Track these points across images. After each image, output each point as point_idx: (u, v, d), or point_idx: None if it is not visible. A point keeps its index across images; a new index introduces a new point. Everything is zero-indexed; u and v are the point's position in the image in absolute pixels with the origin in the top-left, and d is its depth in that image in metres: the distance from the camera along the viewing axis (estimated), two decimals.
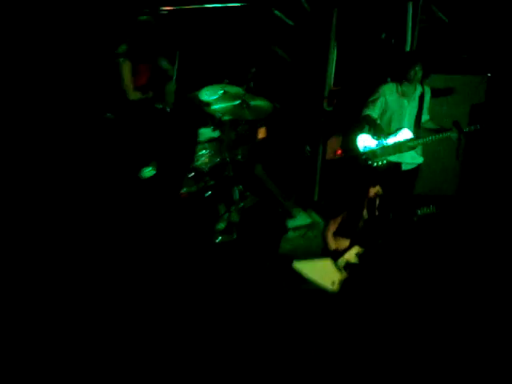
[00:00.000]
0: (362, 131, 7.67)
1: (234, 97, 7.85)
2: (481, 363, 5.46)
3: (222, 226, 7.78)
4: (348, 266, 6.90)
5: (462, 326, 5.94)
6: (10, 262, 6.44)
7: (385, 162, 7.61)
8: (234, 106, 7.77)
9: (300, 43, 8.56)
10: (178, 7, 8.60)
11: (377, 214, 7.07)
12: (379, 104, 7.63)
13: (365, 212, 7.08)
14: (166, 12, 8.43)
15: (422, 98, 7.69)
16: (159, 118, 7.94)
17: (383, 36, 8.21)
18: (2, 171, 7.72)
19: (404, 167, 7.77)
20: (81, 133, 8.20)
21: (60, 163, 7.99)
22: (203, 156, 8.26)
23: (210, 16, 8.96)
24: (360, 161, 7.61)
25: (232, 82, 8.22)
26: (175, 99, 8.08)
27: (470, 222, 7.90)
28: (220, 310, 5.62)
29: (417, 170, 7.92)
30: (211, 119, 8.35)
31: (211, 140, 8.29)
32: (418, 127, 7.71)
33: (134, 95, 7.80)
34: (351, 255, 6.96)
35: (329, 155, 8.39)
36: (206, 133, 8.35)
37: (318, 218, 8.45)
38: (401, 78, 7.58)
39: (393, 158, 7.68)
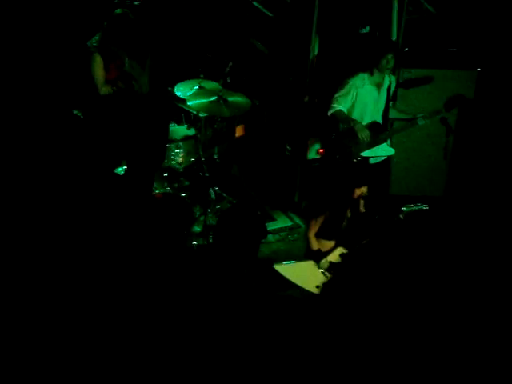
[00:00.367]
0: (334, 128, 7.49)
1: (210, 92, 7.61)
2: (469, 367, 5.26)
3: (197, 229, 7.61)
4: (331, 267, 6.70)
5: (449, 326, 5.73)
6: None
7: (359, 158, 7.43)
8: (210, 102, 7.52)
9: (280, 36, 8.29)
10: None
11: (361, 214, 6.88)
12: (350, 97, 7.38)
13: (348, 212, 6.89)
14: (138, 3, 8.23)
15: (389, 88, 7.54)
16: (130, 115, 7.68)
17: (368, 28, 7.97)
18: None
19: (372, 161, 7.55)
20: (47, 130, 7.95)
21: (25, 162, 7.72)
22: (177, 155, 8.05)
23: (184, 7, 8.81)
24: (337, 159, 7.43)
25: (208, 77, 8.02)
26: (148, 95, 7.84)
27: (457, 223, 7.79)
28: (193, 318, 5.42)
29: (388, 162, 7.81)
30: (186, 116, 8.22)
31: (186, 138, 8.10)
32: (386, 119, 7.60)
33: (105, 90, 7.54)
34: (335, 256, 6.81)
35: (310, 154, 8.17)
36: (181, 131, 8.20)
37: (298, 221, 8.36)
38: (371, 67, 7.33)
39: (366, 153, 7.48)
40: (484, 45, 8.41)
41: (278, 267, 6.82)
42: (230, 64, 7.98)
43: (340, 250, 6.83)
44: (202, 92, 7.66)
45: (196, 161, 7.99)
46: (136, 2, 8.24)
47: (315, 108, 8.17)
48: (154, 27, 8.65)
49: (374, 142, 7.44)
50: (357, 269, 6.51)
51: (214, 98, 7.49)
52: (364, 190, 6.98)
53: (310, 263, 6.87)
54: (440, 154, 8.22)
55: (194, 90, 7.69)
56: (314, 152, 7.84)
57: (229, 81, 7.99)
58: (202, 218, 7.70)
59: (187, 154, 8.05)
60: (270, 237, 7.93)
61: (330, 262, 6.77)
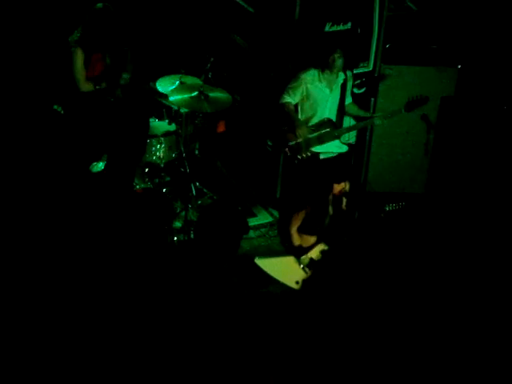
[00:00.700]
0: (282, 121, 7.47)
1: (192, 88, 7.55)
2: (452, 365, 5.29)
3: (178, 224, 7.58)
4: (312, 263, 6.73)
5: (430, 321, 5.76)
6: None
7: (309, 154, 7.37)
8: (192, 97, 7.46)
9: (261, 31, 8.25)
10: None
11: (343, 211, 6.86)
12: (300, 91, 7.34)
13: (330, 209, 6.87)
14: None
15: (344, 85, 7.41)
16: (111, 111, 7.64)
17: (349, 25, 7.94)
18: None
19: (322, 156, 7.46)
20: (26, 125, 7.89)
21: (4, 157, 7.66)
22: (158, 151, 8.02)
23: (166, 2, 8.76)
24: (288, 154, 7.43)
25: (189, 72, 7.97)
26: (129, 90, 7.79)
27: (438, 220, 7.80)
28: (173, 314, 5.39)
29: (344, 158, 7.60)
30: (167, 112, 8.20)
31: (167, 134, 8.05)
32: (341, 116, 7.46)
33: (86, 87, 7.50)
34: (316, 252, 6.83)
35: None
36: (162, 126, 8.14)
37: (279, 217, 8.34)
38: (321, 65, 7.28)
39: (318, 149, 7.42)
40: (465, 42, 8.43)
41: (259, 261, 6.83)
42: (212, 59, 7.93)
43: (321, 247, 6.84)
44: (183, 87, 7.60)
45: (177, 156, 7.96)
46: None
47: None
48: (135, 21, 8.61)
49: (325, 138, 7.39)
50: (338, 266, 6.53)
51: (195, 94, 7.43)
52: (344, 186, 6.95)
53: (291, 258, 6.87)
54: (421, 151, 8.25)
55: (175, 86, 7.63)
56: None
57: (210, 76, 7.94)
58: (182, 213, 7.67)
59: (168, 150, 8.01)
60: (251, 232, 7.90)
61: (311, 259, 6.78)
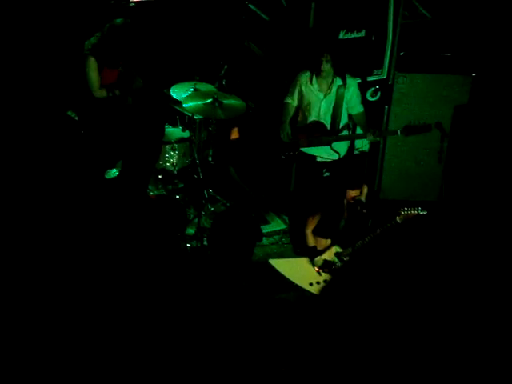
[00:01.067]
0: (282, 117, 7.53)
1: (206, 95, 7.59)
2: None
3: (191, 231, 7.58)
4: (325, 265, 6.70)
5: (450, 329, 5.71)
6: None
7: (296, 152, 7.47)
8: (206, 104, 7.48)
9: (275, 39, 8.24)
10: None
11: (357, 216, 6.86)
12: (297, 92, 7.45)
13: (346, 213, 6.86)
14: (133, 4, 8.19)
15: (339, 91, 7.37)
16: (125, 118, 7.65)
17: (364, 32, 7.93)
18: None
19: (319, 159, 7.56)
20: (41, 131, 7.90)
21: (19, 162, 7.67)
22: (172, 157, 8.03)
23: (181, 9, 8.77)
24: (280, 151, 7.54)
25: (203, 79, 8.05)
26: (143, 97, 7.80)
27: (452, 227, 7.76)
28: (187, 321, 5.39)
29: (352, 164, 7.71)
30: (181, 118, 8.19)
31: (181, 140, 8.09)
32: (334, 122, 7.43)
33: (100, 93, 7.50)
34: (329, 255, 6.81)
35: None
36: (176, 133, 8.19)
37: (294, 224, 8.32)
38: (312, 68, 7.35)
39: (307, 151, 7.51)
40: (479, 50, 8.39)
41: (273, 262, 6.84)
42: (226, 66, 7.95)
43: (335, 249, 6.84)
44: (197, 94, 7.64)
45: (191, 163, 7.98)
46: (132, 4, 8.18)
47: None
48: (151, 29, 8.62)
49: (315, 142, 7.42)
50: (351, 270, 6.51)
51: (209, 101, 7.45)
52: (358, 192, 6.93)
53: (305, 260, 6.89)
54: (434, 159, 8.20)
55: (189, 92, 7.69)
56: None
57: (224, 83, 7.96)
58: (195, 220, 7.67)
59: (182, 156, 8.04)
60: (264, 240, 7.90)
61: (325, 260, 6.78)
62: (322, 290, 6.26)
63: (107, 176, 7.62)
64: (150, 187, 7.87)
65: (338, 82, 7.32)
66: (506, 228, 7.71)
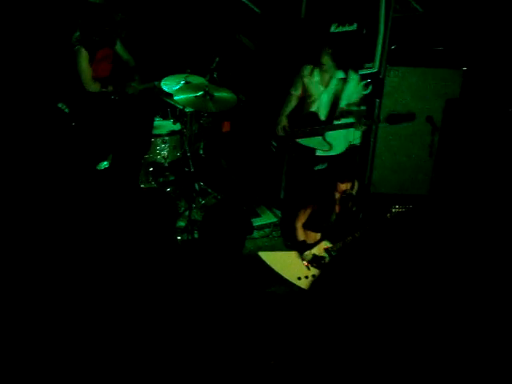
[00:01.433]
0: (282, 108, 7.62)
1: (197, 88, 7.59)
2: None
3: (182, 224, 7.58)
4: (314, 259, 6.70)
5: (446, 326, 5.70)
6: None
7: (290, 143, 7.58)
8: (197, 97, 7.49)
9: (267, 32, 8.23)
10: None
11: (348, 210, 6.85)
12: (300, 84, 7.51)
13: (337, 207, 6.85)
14: None
15: (339, 85, 7.42)
16: (116, 110, 7.63)
17: (355, 26, 7.92)
18: None
19: (318, 153, 7.62)
20: (31, 123, 7.88)
21: (9, 154, 7.65)
22: (163, 150, 8.00)
23: (172, 1, 8.74)
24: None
25: (194, 72, 7.98)
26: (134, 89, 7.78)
27: (442, 221, 7.76)
28: (178, 313, 5.39)
29: (342, 159, 7.68)
30: (172, 111, 8.16)
31: (172, 133, 8.07)
32: (331, 114, 7.47)
33: (93, 87, 7.47)
34: (319, 249, 6.79)
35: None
36: (167, 125, 8.16)
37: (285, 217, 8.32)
38: (313, 61, 7.41)
39: (304, 143, 7.58)
40: (470, 44, 8.39)
41: (262, 255, 6.84)
42: (217, 59, 7.92)
43: (325, 244, 6.83)
44: (188, 87, 7.63)
45: (182, 156, 7.96)
46: None
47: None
48: (141, 20, 8.60)
49: (309, 133, 7.49)
50: (340, 264, 6.52)
51: (200, 93, 7.46)
52: (348, 185, 6.92)
53: (294, 254, 6.88)
54: (425, 153, 8.21)
55: (180, 85, 7.67)
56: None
57: (215, 76, 7.93)
58: (186, 212, 7.66)
59: (173, 149, 8.02)
60: (255, 233, 7.88)
61: (314, 255, 6.78)
62: (311, 285, 6.26)
63: (98, 168, 7.59)
64: (140, 180, 7.84)
65: (339, 75, 7.36)
66: (496, 221, 7.75)
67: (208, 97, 7.44)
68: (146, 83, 7.93)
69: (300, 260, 6.79)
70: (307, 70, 7.42)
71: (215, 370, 4.84)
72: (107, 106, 7.63)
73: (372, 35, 8.09)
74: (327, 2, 7.85)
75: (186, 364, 4.84)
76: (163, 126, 8.10)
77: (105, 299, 5.53)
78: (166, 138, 7.98)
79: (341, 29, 7.92)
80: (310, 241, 6.90)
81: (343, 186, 6.78)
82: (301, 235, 6.93)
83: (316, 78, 7.39)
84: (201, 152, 8.28)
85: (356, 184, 6.84)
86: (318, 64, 7.31)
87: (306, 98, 7.52)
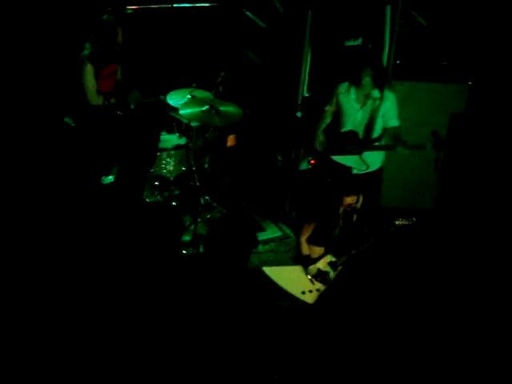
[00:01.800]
0: (318, 124, 7.61)
1: (202, 102, 7.59)
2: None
3: (187, 238, 7.57)
4: (319, 274, 6.69)
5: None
6: None
7: (325, 159, 7.54)
8: (202, 111, 7.48)
9: (272, 47, 8.27)
10: (144, 6, 8.38)
11: (352, 224, 6.85)
12: (334, 102, 7.52)
13: (341, 221, 6.84)
14: (131, 11, 8.17)
15: (375, 104, 7.40)
16: (121, 124, 7.65)
17: (360, 40, 7.94)
18: None
19: (354, 171, 7.61)
20: (37, 137, 7.90)
21: (15, 168, 7.67)
22: (168, 164, 8.02)
23: (178, 16, 8.77)
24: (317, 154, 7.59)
25: (200, 86, 8.01)
26: (140, 103, 7.79)
27: (447, 236, 7.75)
28: (182, 327, 5.38)
29: (375, 176, 7.75)
30: (177, 125, 8.17)
31: (177, 147, 8.08)
32: (368, 134, 7.47)
33: (96, 100, 7.48)
34: (323, 264, 6.77)
35: (301, 165, 8.14)
36: (172, 139, 8.16)
37: (289, 232, 8.32)
38: (351, 80, 7.38)
39: (336, 158, 7.57)
40: (475, 59, 8.40)
41: (267, 270, 6.83)
42: (222, 74, 7.93)
43: (329, 258, 6.82)
44: (194, 101, 7.64)
45: (187, 170, 7.96)
46: (129, 11, 8.17)
47: (306, 119, 8.15)
48: (148, 35, 8.62)
49: (346, 151, 7.48)
50: (345, 279, 6.50)
51: (205, 108, 7.45)
52: (354, 199, 6.91)
53: (298, 268, 6.87)
54: (430, 167, 8.18)
55: (186, 99, 7.68)
56: (305, 163, 7.84)
57: (221, 90, 7.93)
58: (192, 227, 7.66)
59: (178, 163, 8.03)
60: (260, 247, 7.87)
61: (318, 269, 6.77)
62: (316, 300, 6.26)
63: (103, 182, 7.60)
64: (145, 194, 7.84)
65: (376, 94, 7.35)
66: (501, 235, 7.73)
67: (213, 111, 7.43)
68: (152, 97, 7.94)
69: (304, 274, 6.78)
70: (343, 87, 7.42)
71: (218, 381, 4.84)
72: (113, 120, 7.64)
73: (377, 50, 8.09)
74: (333, 16, 7.87)
75: (190, 377, 4.84)
76: (169, 140, 8.10)
77: (108, 313, 5.52)
78: (172, 152, 7.99)
79: (346, 43, 7.95)
80: (315, 255, 6.89)
81: (348, 200, 6.78)
82: (305, 250, 6.93)
83: (352, 95, 7.38)
84: (206, 166, 8.29)
85: (361, 197, 6.84)
86: (356, 83, 7.30)
87: (339, 116, 7.52)
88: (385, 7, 7.98)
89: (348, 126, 7.47)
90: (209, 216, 8.00)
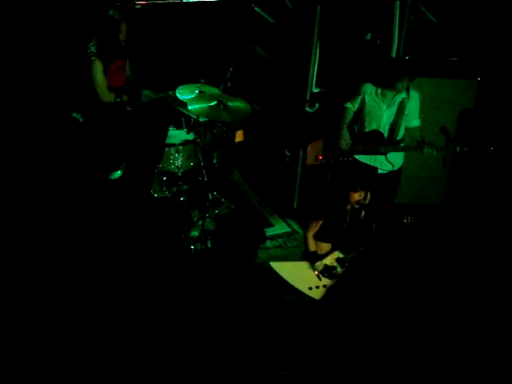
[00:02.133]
0: (341, 122, 7.54)
1: (211, 97, 7.57)
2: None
3: (195, 233, 7.57)
4: (326, 269, 6.69)
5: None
6: None
7: (350, 158, 7.51)
8: (211, 106, 7.45)
9: (281, 42, 8.25)
10: (153, 1, 8.38)
11: (360, 220, 6.84)
12: (359, 101, 7.47)
13: (348, 217, 6.83)
14: (139, 7, 8.17)
15: (402, 103, 7.35)
16: (129, 119, 7.65)
17: (369, 36, 7.93)
18: None
19: (380, 171, 7.59)
20: (45, 132, 7.92)
21: (23, 163, 7.69)
22: (176, 159, 8.02)
23: (187, 11, 8.76)
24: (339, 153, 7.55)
25: (208, 82, 8.00)
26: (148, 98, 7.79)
27: (455, 232, 7.76)
28: (190, 322, 5.38)
29: (395, 175, 7.71)
30: (186, 121, 8.16)
31: (185, 143, 8.07)
32: (392, 133, 7.45)
33: (108, 97, 7.47)
34: (330, 260, 6.78)
35: (309, 160, 8.12)
36: (180, 135, 8.16)
37: (296, 227, 8.32)
38: (386, 85, 7.30)
39: (361, 158, 7.55)
40: (484, 54, 8.38)
41: (274, 265, 6.84)
42: (231, 69, 7.91)
43: (336, 254, 6.82)
44: (202, 96, 7.63)
45: (195, 165, 7.96)
46: (138, 6, 8.17)
47: (315, 114, 8.14)
48: (156, 30, 8.62)
49: (370, 151, 7.45)
50: (352, 275, 6.51)
51: (214, 103, 7.43)
52: (362, 194, 6.89)
53: (305, 264, 6.87)
54: (439, 163, 8.19)
55: (194, 95, 7.68)
56: (313, 158, 7.84)
57: (229, 86, 7.92)
58: (200, 222, 7.65)
59: (186, 159, 8.04)
60: (268, 243, 7.89)
61: (325, 265, 6.77)
62: (324, 295, 6.26)
63: (111, 177, 7.61)
64: (154, 189, 7.85)
65: (403, 94, 7.33)
66: (508, 231, 7.73)
67: (222, 106, 7.41)
68: (161, 92, 7.93)
69: (312, 270, 6.78)
70: (369, 87, 7.38)
71: (227, 379, 4.84)
72: (121, 115, 7.64)
73: (386, 45, 8.08)
74: (341, 12, 7.86)
75: (198, 373, 4.84)
76: (177, 135, 8.10)
77: (116, 306, 5.53)
78: (180, 147, 7.99)
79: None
80: (322, 251, 6.88)
81: (356, 196, 6.76)
82: (312, 246, 6.92)
83: (379, 95, 7.36)
84: (214, 161, 8.29)
85: (368, 194, 6.82)
86: (392, 88, 7.25)
87: (363, 115, 7.51)
88: (394, 3, 7.96)
89: (373, 126, 7.44)
90: (217, 211, 8.00)
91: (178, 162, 8.00)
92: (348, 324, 5.45)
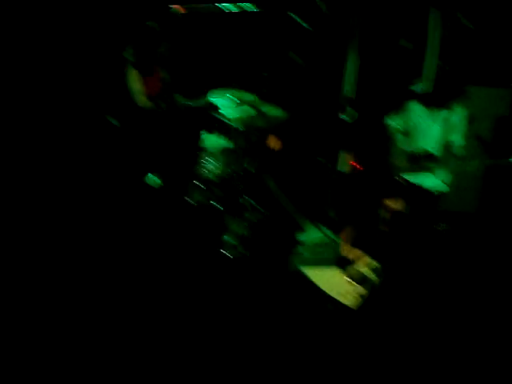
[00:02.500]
0: (388, 142, 7.43)
1: (246, 103, 7.63)
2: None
3: (229, 239, 7.59)
4: (359, 277, 6.69)
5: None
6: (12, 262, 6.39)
7: (397, 178, 7.37)
8: (246, 112, 7.56)
9: (316, 48, 8.25)
10: (189, 6, 8.44)
11: (394, 228, 6.84)
12: (404, 117, 7.37)
13: (382, 225, 6.84)
14: (180, 16, 8.24)
15: (450, 120, 7.32)
16: (165, 124, 7.71)
17: (404, 43, 7.92)
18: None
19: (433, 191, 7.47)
20: (82, 136, 8.00)
21: (63, 167, 7.77)
22: (211, 165, 8.02)
23: (223, 18, 8.80)
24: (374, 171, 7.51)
25: (244, 88, 8.02)
26: (183, 105, 7.85)
27: (489, 241, 7.73)
28: (222, 327, 5.42)
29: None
30: (220, 126, 8.16)
31: (220, 149, 8.12)
32: (440, 149, 7.37)
33: (145, 102, 7.54)
34: (361, 266, 6.74)
35: (345, 168, 8.13)
36: (215, 141, 8.19)
37: (329, 234, 8.31)
38: (433, 100, 7.23)
39: (408, 177, 7.40)
40: None
41: (306, 270, 6.86)
42: (266, 75, 7.94)
43: (367, 261, 6.83)
44: (237, 102, 7.68)
45: (229, 171, 8.02)
46: (178, 14, 8.24)
47: (351, 122, 8.14)
48: (193, 37, 8.67)
49: (415, 168, 7.41)
50: (384, 282, 6.50)
51: (249, 109, 7.49)
52: (396, 203, 6.90)
53: (337, 270, 6.88)
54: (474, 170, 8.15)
55: (229, 100, 7.72)
56: (347, 165, 7.84)
57: (264, 92, 7.95)
58: (233, 228, 7.67)
59: (221, 164, 8.07)
60: (301, 248, 7.90)
61: (358, 272, 6.78)
62: (359, 303, 6.26)
63: (147, 181, 7.67)
64: (188, 195, 7.89)
65: (449, 108, 7.26)
66: None
67: (257, 112, 7.46)
68: (196, 98, 7.98)
69: (344, 277, 6.79)
70: (416, 104, 7.29)
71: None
72: (156, 120, 7.70)
73: (422, 52, 8.06)
74: (377, 19, 7.86)
75: (233, 376, 4.87)
76: (212, 141, 8.13)
77: (146, 308, 5.56)
78: (214, 153, 8.04)
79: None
80: (353, 256, 6.89)
81: (390, 204, 6.77)
82: (345, 252, 6.93)
83: (425, 111, 7.27)
84: (249, 168, 8.31)
85: (403, 202, 6.82)
86: (433, 104, 7.21)
87: (409, 131, 7.42)
88: (430, 9, 7.94)
89: (419, 141, 7.38)
90: (251, 218, 8.01)
91: (213, 168, 8.05)
92: (388, 334, 5.45)
